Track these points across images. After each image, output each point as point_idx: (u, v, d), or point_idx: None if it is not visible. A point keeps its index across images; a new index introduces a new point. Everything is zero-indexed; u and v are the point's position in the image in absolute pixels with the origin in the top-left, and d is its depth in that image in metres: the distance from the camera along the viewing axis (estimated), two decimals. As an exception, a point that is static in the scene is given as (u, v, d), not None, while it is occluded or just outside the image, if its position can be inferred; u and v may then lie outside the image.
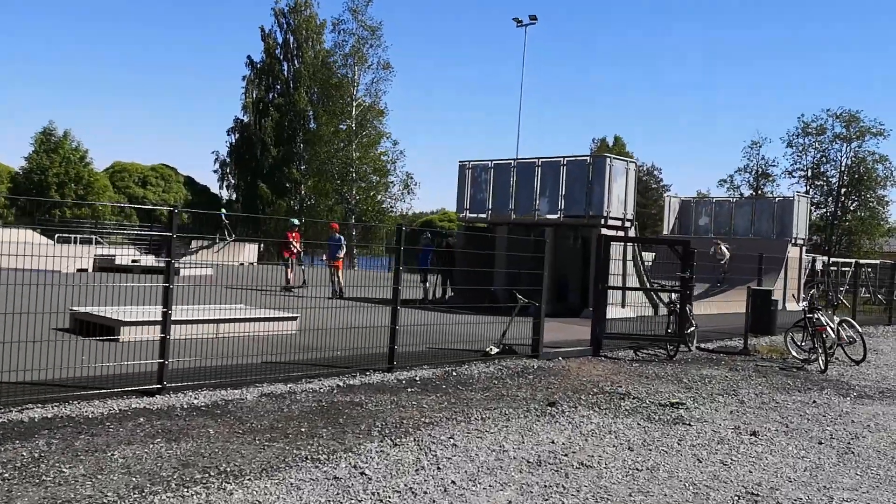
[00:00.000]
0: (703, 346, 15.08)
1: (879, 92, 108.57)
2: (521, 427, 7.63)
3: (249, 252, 40.01)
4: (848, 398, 10.52)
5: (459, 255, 19.90)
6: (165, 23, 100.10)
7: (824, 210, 62.95)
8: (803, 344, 14.21)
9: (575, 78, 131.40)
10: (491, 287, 19.17)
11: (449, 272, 19.55)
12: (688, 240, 13.45)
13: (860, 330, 14.56)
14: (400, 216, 48.96)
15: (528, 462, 6.42)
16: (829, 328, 14.29)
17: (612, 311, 16.45)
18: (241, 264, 36.58)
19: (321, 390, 8.64)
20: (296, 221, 20.95)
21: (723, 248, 23.24)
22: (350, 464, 6.01)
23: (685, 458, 6.86)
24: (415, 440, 6.84)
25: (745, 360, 13.85)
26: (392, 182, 47.53)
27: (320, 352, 10.49)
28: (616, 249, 17.07)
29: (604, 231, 17.54)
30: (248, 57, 58.71)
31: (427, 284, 19.49)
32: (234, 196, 60.15)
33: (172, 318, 10.48)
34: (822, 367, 12.91)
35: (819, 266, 33.43)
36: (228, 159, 59.24)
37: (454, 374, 10.25)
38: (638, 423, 8.13)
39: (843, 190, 60.94)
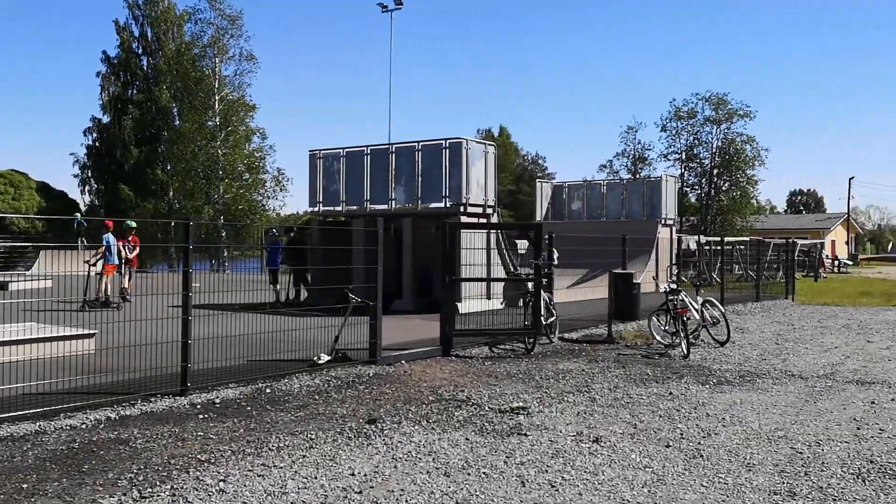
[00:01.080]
0: (566, 336, 14.20)
1: (746, 75, 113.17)
2: (322, 455, 6.32)
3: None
4: (707, 386, 9.75)
5: (314, 253, 18.43)
6: (9, 19, 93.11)
7: (699, 191, 64.83)
8: (667, 328, 13.55)
9: (457, 68, 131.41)
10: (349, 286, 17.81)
11: (302, 272, 18.05)
12: (539, 223, 12.48)
13: (723, 309, 14.02)
14: (276, 215, 46.85)
15: (308, 508, 5.12)
16: (692, 309, 13.69)
17: (477, 304, 15.45)
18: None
19: (83, 426, 7.07)
20: (132, 224, 18.90)
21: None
22: (60, 534, 4.55)
23: (508, 481, 5.72)
24: (172, 488, 5.42)
25: (607, 348, 13.04)
26: (263, 179, 45.37)
27: (114, 374, 8.88)
28: (476, 238, 16.06)
29: (464, 219, 16.48)
30: (104, 52, 55.05)
31: (278, 286, 17.91)
32: (95, 201, 56.39)
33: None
34: (685, 352, 12.22)
35: (693, 246, 33.69)
36: (88, 162, 55.45)
37: (268, 391, 8.84)
38: (466, 439, 6.97)
39: (716, 171, 62.78)
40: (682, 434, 7.21)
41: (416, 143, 17.32)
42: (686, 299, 13.49)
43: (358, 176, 18.15)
